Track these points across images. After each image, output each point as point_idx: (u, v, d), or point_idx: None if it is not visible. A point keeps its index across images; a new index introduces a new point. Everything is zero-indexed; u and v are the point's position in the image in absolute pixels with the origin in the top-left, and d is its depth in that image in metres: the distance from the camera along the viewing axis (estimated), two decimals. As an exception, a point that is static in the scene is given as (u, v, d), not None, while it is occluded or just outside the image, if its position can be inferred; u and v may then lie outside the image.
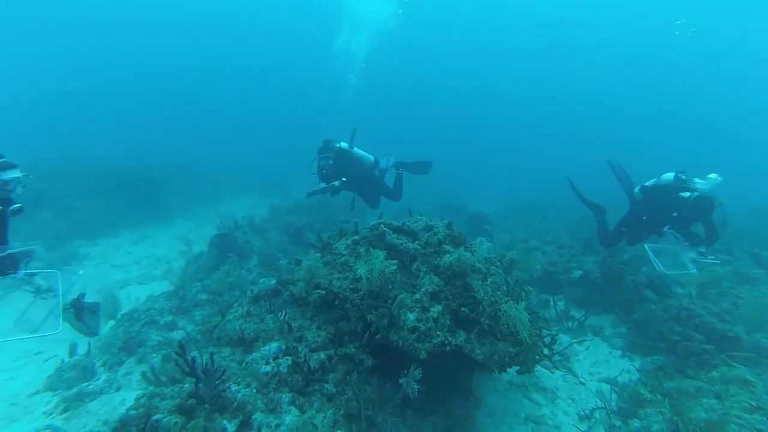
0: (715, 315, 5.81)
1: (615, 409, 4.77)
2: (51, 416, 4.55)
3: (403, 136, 33.93)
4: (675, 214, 5.70)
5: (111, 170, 14.79)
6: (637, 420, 4.32)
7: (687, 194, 5.53)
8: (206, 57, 41.87)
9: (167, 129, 29.85)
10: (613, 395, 5.07)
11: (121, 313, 6.50)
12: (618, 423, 4.53)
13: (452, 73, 42.70)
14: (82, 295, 3.40)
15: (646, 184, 6.31)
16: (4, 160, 3.12)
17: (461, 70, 42.72)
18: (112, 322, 6.30)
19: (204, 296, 6.74)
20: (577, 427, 4.64)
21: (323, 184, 6.65)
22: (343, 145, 6.89)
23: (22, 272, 3.12)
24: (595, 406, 4.90)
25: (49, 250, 9.34)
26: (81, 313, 3.30)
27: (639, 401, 4.54)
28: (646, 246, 6.07)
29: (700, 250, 5.66)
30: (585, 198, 7.33)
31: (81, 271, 3.28)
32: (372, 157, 7.29)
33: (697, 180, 5.66)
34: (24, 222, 3.13)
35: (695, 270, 5.68)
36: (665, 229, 6.03)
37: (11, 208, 3.22)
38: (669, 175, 5.91)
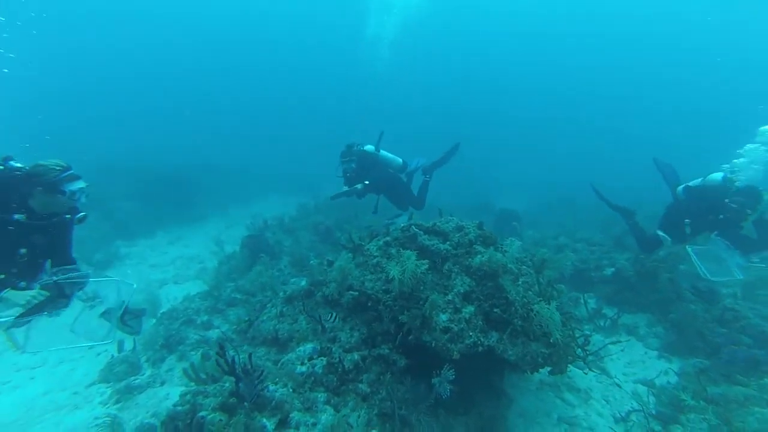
0: (764, 317, 5.56)
1: (653, 412, 4.66)
2: (107, 405, 4.95)
3: (429, 132, 33.87)
4: (721, 217, 5.37)
5: (146, 171, 15.45)
6: (678, 426, 4.21)
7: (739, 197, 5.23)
8: (237, 57, 42.67)
9: (199, 130, 30.73)
10: (651, 398, 4.95)
11: (161, 311, 6.79)
12: (657, 428, 4.42)
13: (478, 68, 42.13)
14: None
15: (691, 184, 5.95)
16: (71, 172, 3.27)
17: (487, 64, 42.05)
18: (153, 321, 6.60)
19: (238, 296, 6.96)
20: (613, 430, 4.56)
21: (346, 188, 6.76)
22: (369, 148, 6.96)
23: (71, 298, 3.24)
24: (631, 409, 4.79)
25: (95, 251, 9.89)
26: (126, 316, 3.49)
27: (680, 406, 4.42)
28: (688, 248, 5.64)
29: (749, 256, 5.31)
30: (611, 203, 7.04)
31: (135, 285, 3.43)
32: (400, 160, 7.31)
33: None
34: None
35: (742, 276, 5.33)
36: (713, 235, 5.60)
37: (77, 216, 3.44)
38: (717, 176, 5.52)
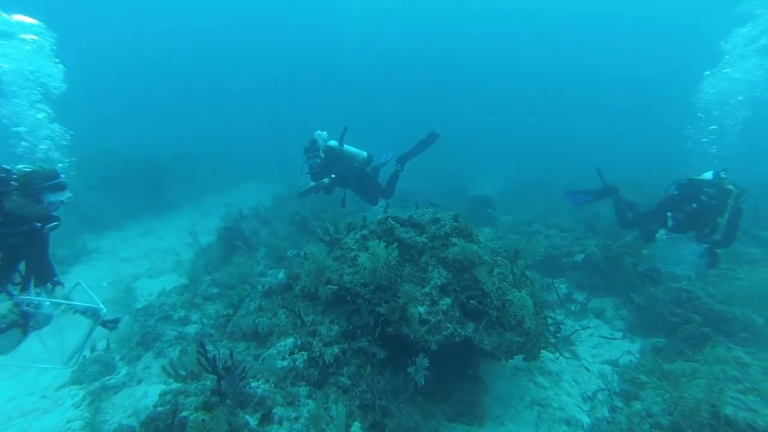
0: (714, 297, 5.95)
1: (617, 390, 4.96)
2: (80, 408, 4.79)
3: (401, 116, 33.83)
4: (694, 206, 5.85)
5: (113, 162, 14.82)
6: (638, 402, 4.49)
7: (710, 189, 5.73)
8: (202, 45, 41.22)
9: (166, 118, 29.71)
10: (615, 377, 5.26)
11: (137, 308, 6.67)
12: (620, 404, 4.72)
13: (449, 50, 42.04)
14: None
15: (683, 180, 6.43)
16: (56, 181, 3.18)
17: (458, 45, 41.99)
18: (128, 317, 6.48)
19: (215, 290, 6.91)
20: (581, 408, 4.84)
21: (313, 183, 6.79)
22: (332, 143, 7.01)
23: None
24: (598, 388, 5.08)
25: (59, 246, 9.50)
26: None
27: (640, 383, 4.72)
28: (659, 233, 6.30)
29: (704, 245, 5.85)
30: (602, 186, 7.39)
31: (105, 284, 3.38)
32: (365, 153, 7.39)
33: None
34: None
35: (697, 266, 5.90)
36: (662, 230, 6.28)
37: (48, 226, 3.32)
38: (708, 174, 6.05)
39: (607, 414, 4.60)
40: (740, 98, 9.83)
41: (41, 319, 3.11)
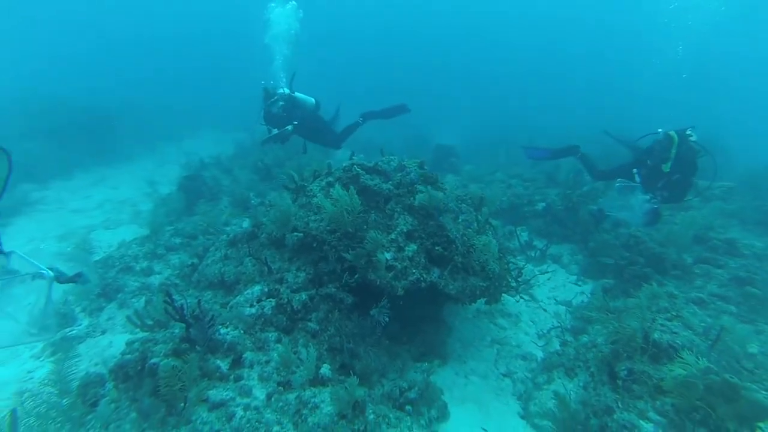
0: (656, 241, 6.42)
1: (569, 327, 5.37)
2: (40, 359, 4.68)
3: (367, 69, 32.63)
4: (649, 162, 6.01)
5: (57, 108, 13.63)
6: (586, 335, 4.90)
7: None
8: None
9: (118, 63, 27.24)
10: (568, 316, 5.67)
11: (94, 260, 6.43)
12: (570, 338, 5.13)
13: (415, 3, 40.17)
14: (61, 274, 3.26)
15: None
16: None
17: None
18: (85, 269, 6.24)
19: (178, 240, 6.74)
20: (536, 344, 5.25)
21: (276, 130, 6.58)
22: (284, 90, 6.77)
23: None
24: (552, 326, 5.49)
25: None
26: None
27: (589, 319, 5.13)
28: (617, 182, 6.47)
29: (649, 197, 6.05)
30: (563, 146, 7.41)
31: (42, 245, 3.09)
32: (313, 100, 7.21)
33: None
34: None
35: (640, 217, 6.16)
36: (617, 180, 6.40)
37: None
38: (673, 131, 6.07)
39: (558, 348, 5.01)
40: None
41: None
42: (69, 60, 27.12)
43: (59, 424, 3.12)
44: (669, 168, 5.79)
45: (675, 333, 3.81)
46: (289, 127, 6.47)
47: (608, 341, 4.05)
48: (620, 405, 3.43)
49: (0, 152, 2.67)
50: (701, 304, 5.17)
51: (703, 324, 4.03)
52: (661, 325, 3.93)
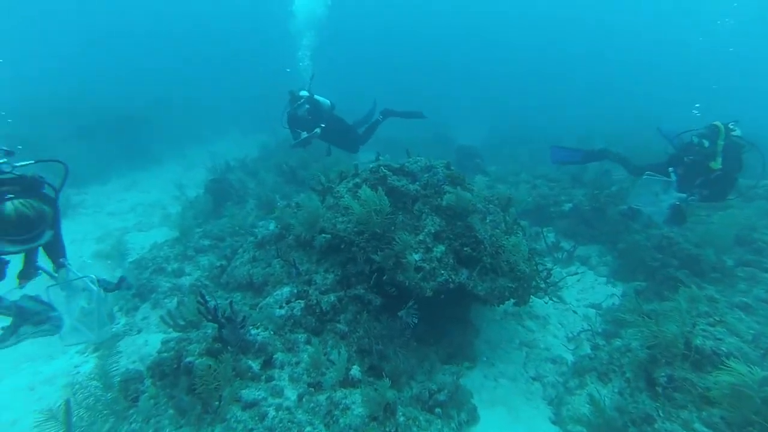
0: (691, 241, 6.17)
1: (600, 330, 5.24)
2: (84, 354, 4.92)
3: (386, 66, 32.72)
4: (691, 158, 5.63)
5: (92, 112, 14.23)
6: (619, 339, 4.77)
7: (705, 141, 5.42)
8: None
9: (145, 67, 28.11)
10: (598, 319, 5.54)
11: (129, 260, 6.65)
12: (602, 342, 5.01)
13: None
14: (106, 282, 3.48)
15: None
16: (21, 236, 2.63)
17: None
18: (121, 271, 6.48)
19: (206, 242, 6.90)
20: (565, 347, 5.14)
21: (305, 133, 6.68)
22: (303, 93, 6.89)
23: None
24: (581, 329, 5.37)
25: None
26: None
27: (621, 323, 4.99)
28: (645, 174, 6.12)
29: (685, 196, 5.68)
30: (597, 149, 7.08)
31: (89, 261, 3.33)
32: (329, 101, 7.30)
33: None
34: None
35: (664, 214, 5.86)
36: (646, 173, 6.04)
37: None
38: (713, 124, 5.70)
39: (589, 351, 4.89)
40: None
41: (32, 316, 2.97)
42: (97, 63, 28.15)
43: (104, 417, 3.25)
44: (720, 164, 5.36)
45: (719, 339, 3.64)
46: (318, 130, 6.56)
47: (644, 345, 3.92)
48: (661, 414, 3.31)
49: (58, 163, 3.04)
50: (747, 310, 4.83)
51: (751, 331, 3.84)
52: (703, 330, 3.77)
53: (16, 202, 2.51)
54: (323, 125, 6.69)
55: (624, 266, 6.64)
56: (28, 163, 2.90)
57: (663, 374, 3.51)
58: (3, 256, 2.79)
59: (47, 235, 2.73)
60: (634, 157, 6.95)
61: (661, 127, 6.72)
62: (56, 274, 3.22)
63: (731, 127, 5.53)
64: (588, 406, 3.76)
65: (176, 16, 39.71)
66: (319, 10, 8.83)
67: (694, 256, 5.93)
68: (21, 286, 3.13)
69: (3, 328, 2.87)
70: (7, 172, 2.68)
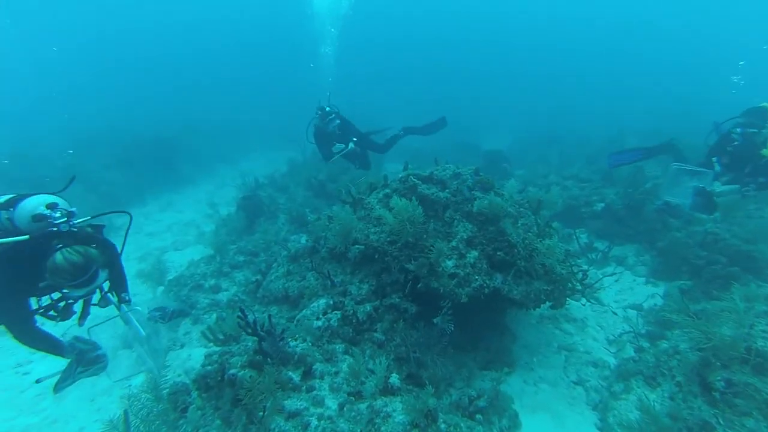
0: (740, 237, 5.90)
1: (643, 332, 5.06)
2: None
3: (407, 74, 32.97)
4: (735, 144, 5.33)
5: (124, 139, 15.01)
6: (665, 341, 4.60)
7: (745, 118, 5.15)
8: (205, 13, 40.18)
9: (175, 91, 29.41)
10: (640, 320, 5.35)
11: (168, 279, 6.90)
12: (646, 344, 4.83)
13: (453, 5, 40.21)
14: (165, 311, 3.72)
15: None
16: (87, 276, 2.76)
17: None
18: (161, 288, 6.73)
19: (241, 258, 7.09)
20: (607, 350, 4.98)
21: (341, 146, 6.84)
22: (326, 107, 7.10)
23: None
24: (623, 331, 5.19)
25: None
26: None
27: (666, 324, 4.80)
28: (673, 165, 5.88)
29: (738, 187, 5.34)
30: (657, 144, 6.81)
31: (139, 308, 3.54)
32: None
33: None
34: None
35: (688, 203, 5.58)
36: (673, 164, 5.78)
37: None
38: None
39: (633, 354, 4.73)
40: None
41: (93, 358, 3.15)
42: (127, 91, 29.64)
43: (157, 427, 3.39)
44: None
45: (784, 342, 3.44)
46: (352, 144, 6.73)
47: (695, 348, 3.75)
48: (722, 422, 3.13)
49: (124, 213, 3.52)
50: None
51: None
52: (764, 331, 3.57)
53: (64, 251, 2.67)
54: (355, 139, 6.85)
55: (664, 265, 6.41)
56: (84, 219, 3.06)
57: (719, 378, 3.33)
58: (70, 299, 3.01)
59: (102, 276, 2.87)
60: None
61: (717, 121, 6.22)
62: (120, 307, 3.42)
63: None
64: (636, 411, 3.63)
65: (202, 39, 41.32)
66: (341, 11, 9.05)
67: (744, 253, 5.65)
68: (80, 325, 3.30)
69: (61, 371, 3.04)
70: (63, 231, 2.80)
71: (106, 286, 3.37)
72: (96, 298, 3.29)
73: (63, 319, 3.14)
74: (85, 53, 35.99)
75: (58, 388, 3.02)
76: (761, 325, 3.65)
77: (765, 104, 5.28)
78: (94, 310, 3.36)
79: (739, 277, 5.32)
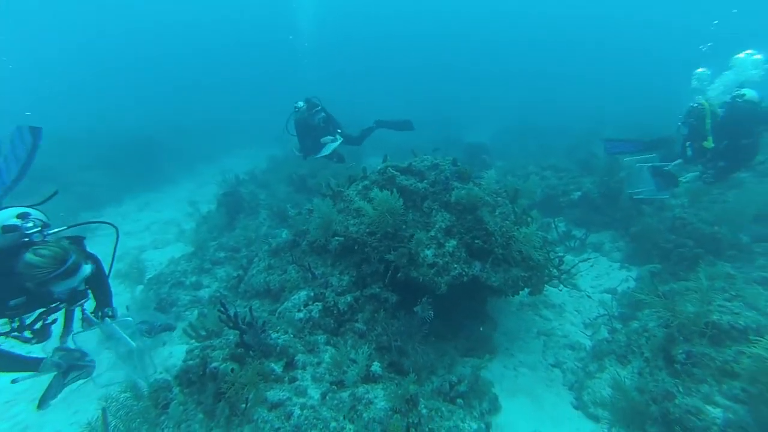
0: (705, 221, 6.13)
1: (616, 314, 5.24)
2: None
3: (388, 68, 33.02)
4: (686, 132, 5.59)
5: (100, 139, 14.70)
6: (636, 321, 4.77)
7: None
8: (186, 15, 39.40)
9: (154, 92, 28.85)
10: (614, 303, 5.53)
11: (148, 277, 6.82)
12: (619, 326, 5.00)
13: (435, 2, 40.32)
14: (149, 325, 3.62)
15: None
16: (68, 266, 2.58)
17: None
18: (141, 287, 6.64)
19: (222, 254, 7.04)
20: (583, 333, 5.15)
21: (330, 138, 6.86)
22: (300, 103, 7.10)
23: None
24: (598, 315, 5.37)
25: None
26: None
27: (637, 305, 4.98)
28: (643, 164, 6.13)
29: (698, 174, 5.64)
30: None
31: (129, 318, 3.42)
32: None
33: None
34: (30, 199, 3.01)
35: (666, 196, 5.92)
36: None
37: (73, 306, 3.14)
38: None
39: (607, 335, 4.90)
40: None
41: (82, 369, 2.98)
42: (107, 91, 28.97)
43: (137, 424, 3.37)
44: (713, 143, 5.26)
45: (737, 313, 3.63)
46: (340, 139, 6.75)
47: (661, 325, 3.93)
48: (681, 390, 3.31)
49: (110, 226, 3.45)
50: (766, 284, 4.71)
51: (771, 304, 3.81)
52: (720, 305, 3.76)
53: (32, 249, 2.49)
54: (340, 131, 6.87)
55: (637, 250, 6.62)
56: (60, 229, 2.96)
57: (681, 351, 3.51)
58: (49, 317, 2.91)
59: (86, 269, 2.71)
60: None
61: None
62: (97, 320, 3.22)
63: (742, 92, 5.25)
64: (609, 389, 3.77)
65: (180, 40, 40.64)
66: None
67: (708, 235, 5.89)
68: (62, 343, 3.13)
69: (51, 385, 2.86)
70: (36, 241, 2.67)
71: (90, 306, 3.23)
72: (78, 313, 3.17)
73: (39, 342, 2.97)
74: (66, 56, 35.04)
75: (43, 403, 2.83)
76: (719, 300, 3.84)
77: (702, 101, 5.46)
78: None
79: (703, 258, 5.53)
